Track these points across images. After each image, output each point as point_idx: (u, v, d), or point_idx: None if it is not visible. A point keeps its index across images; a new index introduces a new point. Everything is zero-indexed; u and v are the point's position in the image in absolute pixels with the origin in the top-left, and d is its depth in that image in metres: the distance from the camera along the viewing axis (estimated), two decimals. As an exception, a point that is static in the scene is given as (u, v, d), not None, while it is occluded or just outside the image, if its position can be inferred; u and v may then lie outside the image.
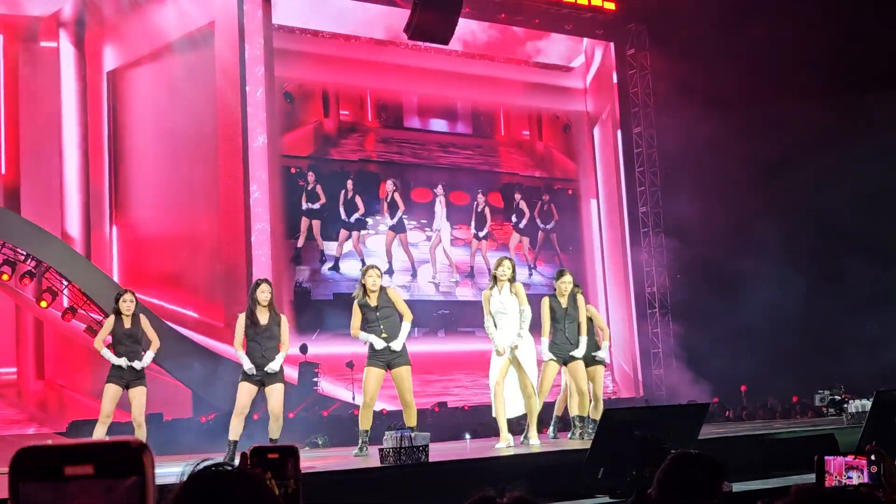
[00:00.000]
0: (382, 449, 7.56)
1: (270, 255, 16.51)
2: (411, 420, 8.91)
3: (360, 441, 9.05)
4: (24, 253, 14.58)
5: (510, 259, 9.71)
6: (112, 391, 9.15)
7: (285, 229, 16.99)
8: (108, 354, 9.21)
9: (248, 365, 8.85)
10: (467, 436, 12.42)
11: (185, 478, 1.57)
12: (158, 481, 1.25)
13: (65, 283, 14.95)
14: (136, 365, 9.20)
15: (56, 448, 1.17)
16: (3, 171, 16.38)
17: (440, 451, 8.98)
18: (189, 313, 16.25)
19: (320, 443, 12.97)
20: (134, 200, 17.30)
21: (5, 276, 14.61)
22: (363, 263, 17.33)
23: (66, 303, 15.24)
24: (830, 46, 16.70)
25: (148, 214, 17.17)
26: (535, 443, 9.37)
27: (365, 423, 9.06)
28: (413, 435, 7.57)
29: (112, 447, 1.17)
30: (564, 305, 9.79)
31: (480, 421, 13.88)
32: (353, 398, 15.86)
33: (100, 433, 9.09)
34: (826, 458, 3.65)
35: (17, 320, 16.38)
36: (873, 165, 17.06)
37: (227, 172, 16.68)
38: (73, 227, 16.95)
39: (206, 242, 16.54)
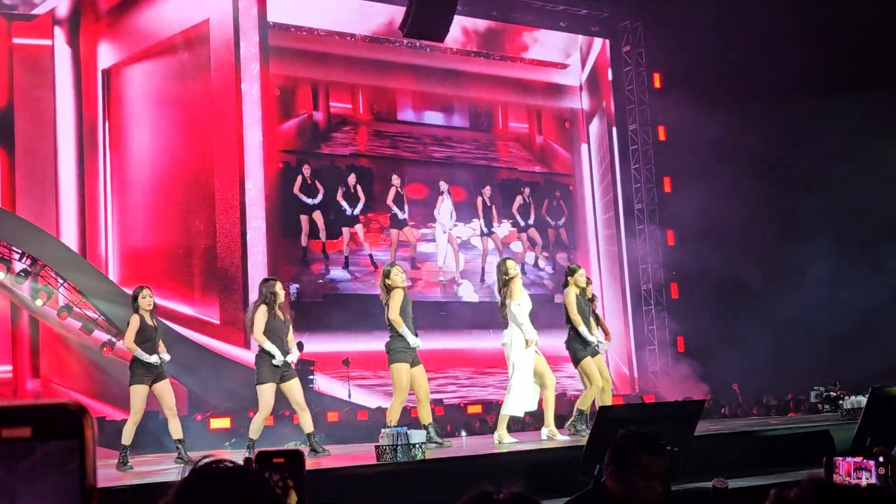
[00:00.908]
0: (379, 446, 7.58)
1: (266, 253, 16.50)
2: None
3: (429, 434, 9.05)
4: (20, 251, 14.56)
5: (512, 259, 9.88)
6: (142, 392, 9.29)
7: (281, 227, 16.98)
8: (142, 354, 9.26)
9: (279, 357, 8.92)
10: (463, 433, 12.45)
11: (186, 474, 1.58)
12: (157, 479, 1.25)
13: (60, 281, 14.93)
14: (165, 357, 9.35)
15: None
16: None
17: (437, 449, 9.00)
18: (184, 311, 16.24)
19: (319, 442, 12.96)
20: (129, 198, 17.27)
21: (1, 275, 14.59)
22: (371, 258, 17.38)
23: (61, 301, 15.21)
24: (828, 40, 16.71)
25: (143, 212, 17.15)
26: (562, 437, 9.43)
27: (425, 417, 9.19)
28: (409, 432, 7.59)
29: (50, 409, 1.14)
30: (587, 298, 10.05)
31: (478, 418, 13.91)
32: (349, 396, 15.88)
33: (130, 430, 9.27)
34: (835, 458, 3.68)
35: (13, 319, 16.36)
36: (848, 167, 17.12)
37: (223, 170, 16.67)
38: (69, 224, 16.92)
39: (201, 240, 16.54)
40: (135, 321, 9.33)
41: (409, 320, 9.21)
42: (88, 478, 1.14)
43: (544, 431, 9.59)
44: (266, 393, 8.95)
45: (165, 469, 8.85)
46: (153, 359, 9.24)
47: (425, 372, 9.33)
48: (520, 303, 9.42)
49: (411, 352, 9.16)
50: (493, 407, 16.41)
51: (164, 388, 9.36)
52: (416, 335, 9.23)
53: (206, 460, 1.59)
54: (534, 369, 9.46)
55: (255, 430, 9.02)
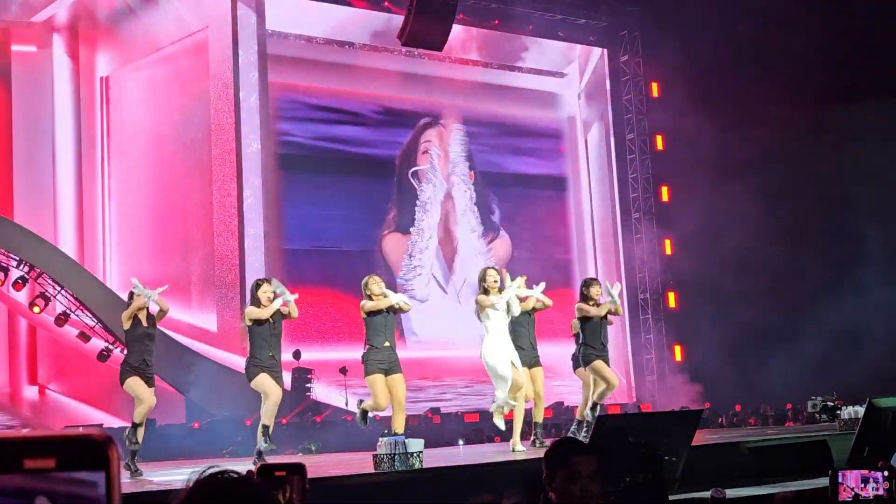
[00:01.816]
0: (377, 455, 7.57)
1: (264, 261, 16.50)
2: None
3: None
4: (17, 258, 14.56)
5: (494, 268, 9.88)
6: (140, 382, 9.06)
7: (279, 235, 16.98)
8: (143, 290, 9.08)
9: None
10: (461, 442, 12.44)
11: (190, 483, 1.58)
12: (154, 487, 1.24)
13: (58, 288, 14.94)
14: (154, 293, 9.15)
15: (14, 440, 1.09)
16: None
17: (434, 457, 8.99)
18: (182, 319, 16.23)
19: (313, 448, 12.97)
20: (127, 206, 17.29)
21: (-2, 282, 14.60)
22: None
23: (58, 308, 15.22)
24: (827, 51, 16.76)
25: (141, 220, 17.17)
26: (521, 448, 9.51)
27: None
28: (407, 441, 7.58)
29: (75, 440, 1.10)
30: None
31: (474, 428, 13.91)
32: (346, 404, 15.87)
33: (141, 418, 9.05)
34: (843, 471, 3.70)
35: (10, 326, 16.36)
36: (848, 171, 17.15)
37: (221, 178, 16.68)
38: (66, 232, 16.92)
39: (199, 248, 16.54)
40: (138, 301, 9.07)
41: (383, 329, 9.05)
42: None
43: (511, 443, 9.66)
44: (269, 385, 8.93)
45: (157, 478, 8.83)
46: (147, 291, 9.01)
47: (404, 381, 9.11)
48: (491, 315, 9.47)
49: (385, 362, 9.02)
50: (487, 415, 16.40)
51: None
52: (389, 344, 9.02)
53: (210, 471, 1.59)
54: (513, 384, 9.45)
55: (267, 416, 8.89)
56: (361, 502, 6.92)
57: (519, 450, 9.36)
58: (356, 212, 17.86)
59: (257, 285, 9.07)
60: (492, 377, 9.52)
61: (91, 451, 1.10)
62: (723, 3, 17.52)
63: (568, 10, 19.73)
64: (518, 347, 9.66)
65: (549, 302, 10.23)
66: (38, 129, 16.80)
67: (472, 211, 19.19)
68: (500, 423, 9.64)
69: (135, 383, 9.04)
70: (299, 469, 2.33)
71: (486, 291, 9.49)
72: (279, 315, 8.99)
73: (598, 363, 9.97)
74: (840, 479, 3.66)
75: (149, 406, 9.08)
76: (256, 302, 8.96)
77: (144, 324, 9.15)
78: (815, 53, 16.72)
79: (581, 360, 10.24)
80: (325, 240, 17.52)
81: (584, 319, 10.22)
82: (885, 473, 3.61)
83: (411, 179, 18.67)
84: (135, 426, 9.05)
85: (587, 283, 10.45)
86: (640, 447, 6.56)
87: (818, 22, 16.76)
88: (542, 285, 10.18)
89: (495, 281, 9.53)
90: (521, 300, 9.86)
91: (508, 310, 9.53)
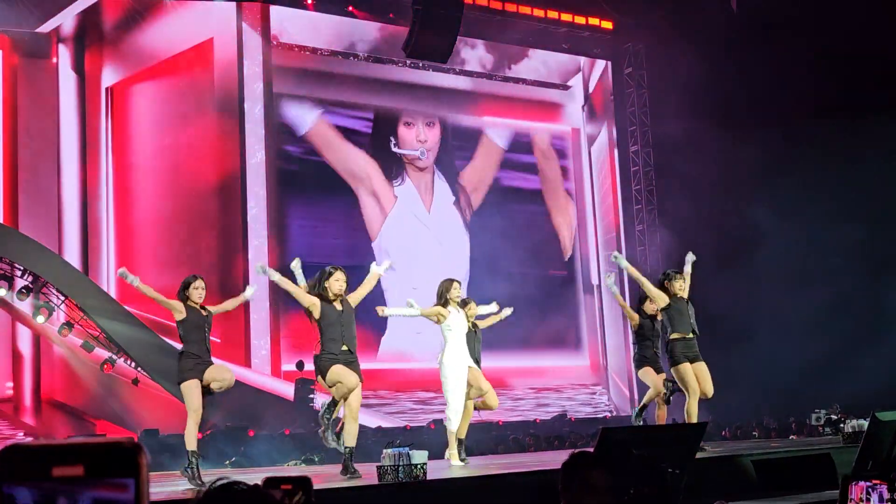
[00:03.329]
0: (381, 466, 7.57)
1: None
2: None
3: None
4: (22, 268, 14.58)
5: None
6: (198, 385, 8.36)
7: (283, 246, 16.99)
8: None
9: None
10: (463, 453, 12.39)
11: (201, 495, 1.59)
12: (160, 496, 1.24)
13: (62, 298, 14.95)
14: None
15: (44, 447, 1.10)
16: (0, 185, 16.39)
17: (438, 469, 8.98)
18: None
19: (316, 459, 12.96)
20: (132, 216, 17.32)
21: (2, 291, 14.61)
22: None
23: (63, 318, 15.23)
24: (832, 66, 16.76)
25: (145, 230, 17.19)
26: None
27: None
28: (411, 452, 7.58)
29: (104, 448, 1.10)
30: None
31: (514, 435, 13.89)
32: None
33: (193, 429, 8.41)
34: (850, 484, 3.71)
35: (14, 335, 16.37)
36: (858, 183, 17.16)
37: (225, 188, 16.71)
38: (71, 242, 16.95)
39: (203, 258, 16.55)
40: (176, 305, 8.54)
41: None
42: None
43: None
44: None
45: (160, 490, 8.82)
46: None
47: (361, 391, 8.49)
48: (451, 326, 9.59)
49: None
50: (492, 426, 16.40)
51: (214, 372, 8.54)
52: (347, 348, 8.41)
53: (220, 482, 1.60)
54: (474, 389, 9.69)
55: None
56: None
57: (455, 463, 9.52)
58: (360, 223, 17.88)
59: (329, 273, 8.40)
60: (444, 388, 9.60)
61: (120, 458, 1.10)
62: (727, 16, 17.55)
63: (572, 23, 19.76)
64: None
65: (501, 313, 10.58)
66: (43, 138, 16.84)
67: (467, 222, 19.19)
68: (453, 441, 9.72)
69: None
70: (305, 482, 2.34)
71: (446, 303, 9.57)
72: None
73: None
74: (849, 492, 3.67)
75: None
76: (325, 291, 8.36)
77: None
78: (823, 69, 16.72)
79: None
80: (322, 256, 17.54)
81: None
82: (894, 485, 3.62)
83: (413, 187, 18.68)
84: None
85: (670, 277, 10.61)
86: (644, 460, 6.55)
87: (829, 38, 16.78)
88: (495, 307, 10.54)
89: (458, 294, 9.65)
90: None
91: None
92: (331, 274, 8.31)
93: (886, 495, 3.63)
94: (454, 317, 9.61)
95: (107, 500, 1.09)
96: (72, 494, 1.09)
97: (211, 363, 8.40)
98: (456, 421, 9.66)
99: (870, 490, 3.62)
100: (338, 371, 8.28)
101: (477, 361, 10.08)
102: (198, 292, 8.64)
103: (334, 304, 8.28)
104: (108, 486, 1.09)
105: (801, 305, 16.78)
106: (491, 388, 9.99)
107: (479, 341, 10.31)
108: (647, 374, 10.96)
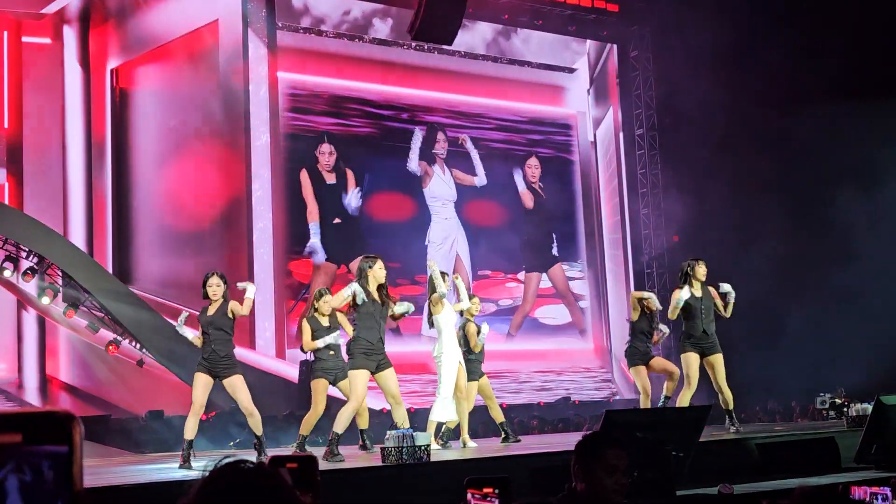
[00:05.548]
0: (384, 448, 7.59)
1: (272, 254, 16.52)
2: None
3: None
4: (27, 249, 14.60)
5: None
6: (203, 380, 8.80)
7: (288, 228, 16.99)
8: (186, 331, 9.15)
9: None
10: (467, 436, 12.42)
11: (207, 473, 1.60)
12: (163, 477, 1.27)
13: (67, 279, 14.96)
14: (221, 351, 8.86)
15: None
16: (6, 167, 16.39)
17: (441, 451, 9.01)
18: (190, 311, 16.25)
19: (321, 441, 12.98)
20: (136, 197, 17.31)
21: (8, 273, 14.63)
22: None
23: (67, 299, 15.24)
24: (844, 50, 16.68)
25: (150, 212, 17.19)
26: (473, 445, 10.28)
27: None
28: (415, 434, 7.61)
29: (40, 416, 1.18)
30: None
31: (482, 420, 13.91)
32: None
33: (192, 425, 8.71)
34: (853, 487, 3.74)
35: (18, 316, 16.41)
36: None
37: (230, 171, 16.70)
38: (76, 223, 16.95)
39: (207, 240, 16.56)
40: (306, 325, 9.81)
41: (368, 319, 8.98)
42: (76, 483, 1.19)
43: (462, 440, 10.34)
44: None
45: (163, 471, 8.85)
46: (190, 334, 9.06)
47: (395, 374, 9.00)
48: (445, 317, 9.80)
49: (374, 357, 8.93)
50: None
51: (235, 385, 8.92)
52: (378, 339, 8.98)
53: (227, 460, 1.61)
54: (457, 383, 9.94)
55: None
56: (369, 494, 6.94)
57: (471, 445, 10.16)
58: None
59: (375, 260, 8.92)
60: (440, 378, 9.88)
61: (55, 426, 1.18)
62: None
63: (578, 6, 19.69)
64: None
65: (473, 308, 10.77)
66: (48, 119, 16.83)
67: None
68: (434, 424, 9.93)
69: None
70: (311, 461, 2.34)
71: (441, 297, 9.83)
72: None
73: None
74: (852, 494, 3.70)
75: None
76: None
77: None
78: (833, 53, 16.63)
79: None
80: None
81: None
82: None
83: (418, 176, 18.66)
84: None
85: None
86: (649, 443, 6.57)
87: (838, 22, 16.71)
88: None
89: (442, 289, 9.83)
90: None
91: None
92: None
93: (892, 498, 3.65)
94: (448, 309, 9.87)
95: (42, 465, 1.18)
96: (11, 459, 1.18)
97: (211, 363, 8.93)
98: (441, 414, 9.86)
99: (873, 496, 3.64)
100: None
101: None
102: (211, 290, 8.99)
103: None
104: (44, 453, 1.18)
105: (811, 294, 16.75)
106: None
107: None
108: (639, 374, 10.99)
